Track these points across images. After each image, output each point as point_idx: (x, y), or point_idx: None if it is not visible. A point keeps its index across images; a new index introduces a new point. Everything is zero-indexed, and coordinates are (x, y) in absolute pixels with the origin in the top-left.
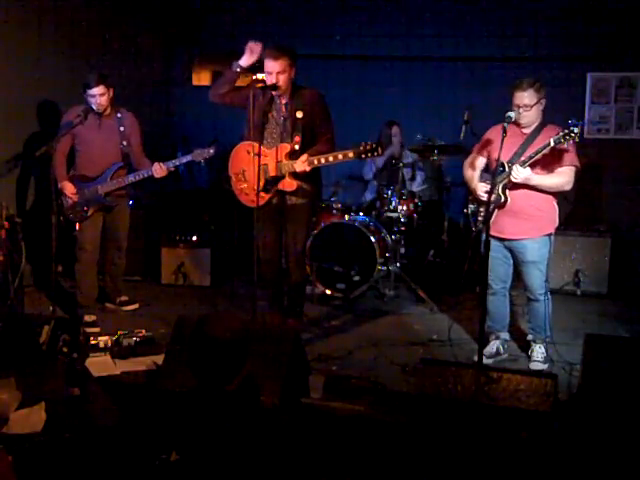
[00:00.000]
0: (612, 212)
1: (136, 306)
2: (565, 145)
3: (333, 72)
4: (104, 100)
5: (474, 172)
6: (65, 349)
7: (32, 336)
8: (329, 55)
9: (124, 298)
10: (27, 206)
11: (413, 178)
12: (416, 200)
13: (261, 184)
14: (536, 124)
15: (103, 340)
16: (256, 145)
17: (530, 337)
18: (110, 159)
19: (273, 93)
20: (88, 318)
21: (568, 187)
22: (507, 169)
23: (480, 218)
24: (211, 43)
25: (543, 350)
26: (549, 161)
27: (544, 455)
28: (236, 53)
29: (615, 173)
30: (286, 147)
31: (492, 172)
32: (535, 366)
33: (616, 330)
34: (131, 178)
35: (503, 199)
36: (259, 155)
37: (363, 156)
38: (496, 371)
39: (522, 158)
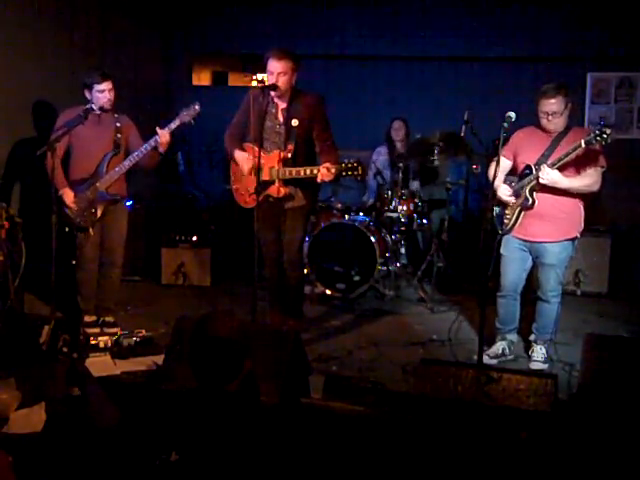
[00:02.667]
0: (612, 212)
1: (117, 330)
2: (597, 146)
3: (334, 72)
4: (113, 95)
5: (497, 174)
6: (65, 349)
7: (32, 336)
8: (329, 55)
9: (109, 319)
10: (27, 206)
11: (415, 177)
12: (416, 200)
13: (254, 187)
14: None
15: (103, 340)
16: (256, 148)
17: (532, 337)
18: (104, 152)
19: (272, 94)
20: (88, 318)
21: (596, 188)
22: (534, 172)
23: (506, 221)
24: (211, 43)
25: (544, 350)
26: (577, 162)
27: (544, 455)
28: (235, 54)
29: (615, 173)
30: (279, 154)
31: (519, 175)
32: (535, 366)
33: (616, 330)
34: (127, 163)
35: (531, 201)
36: (259, 158)
37: (344, 173)
38: (496, 371)
39: (550, 160)
